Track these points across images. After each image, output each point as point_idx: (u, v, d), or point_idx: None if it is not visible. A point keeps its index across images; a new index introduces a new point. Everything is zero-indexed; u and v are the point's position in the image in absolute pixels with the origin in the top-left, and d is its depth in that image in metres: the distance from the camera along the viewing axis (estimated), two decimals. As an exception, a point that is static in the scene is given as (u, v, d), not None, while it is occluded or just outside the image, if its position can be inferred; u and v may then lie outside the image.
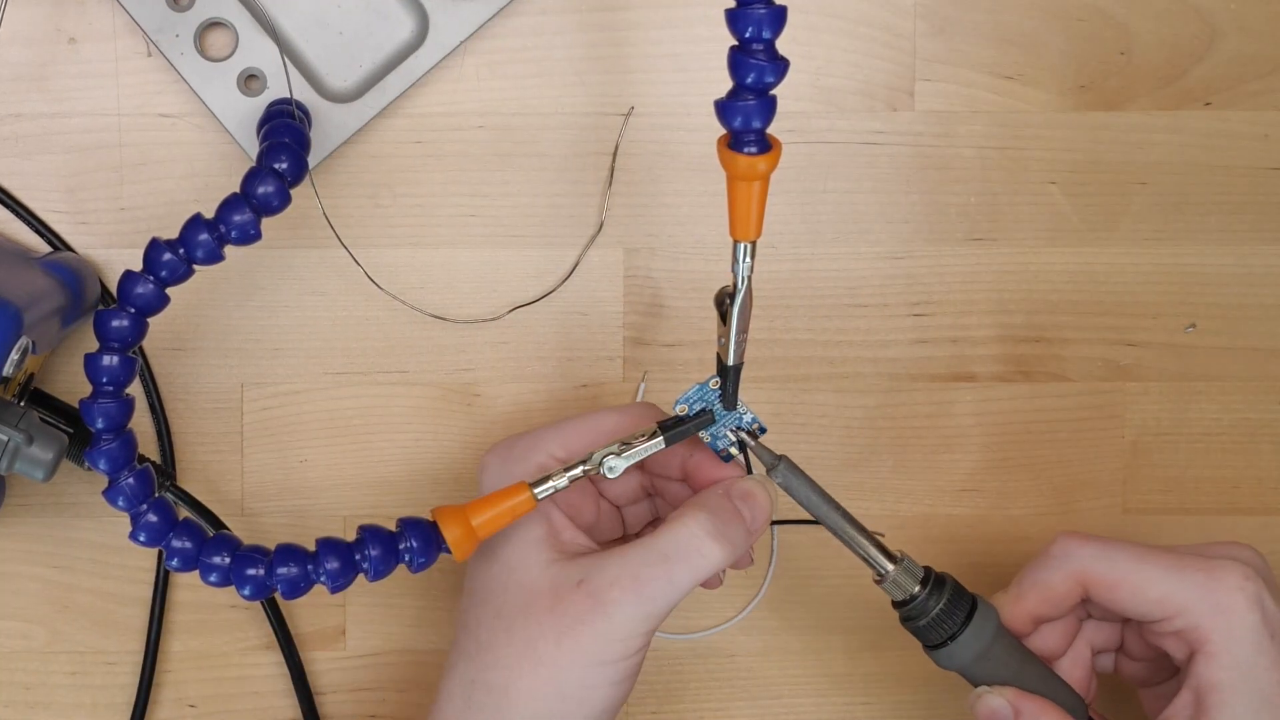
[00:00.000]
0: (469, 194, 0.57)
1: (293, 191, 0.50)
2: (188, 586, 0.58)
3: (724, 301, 0.48)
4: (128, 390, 0.49)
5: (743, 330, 0.48)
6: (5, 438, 0.48)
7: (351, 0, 0.55)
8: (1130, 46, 0.58)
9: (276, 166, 0.50)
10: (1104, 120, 0.58)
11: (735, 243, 0.46)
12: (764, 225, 0.45)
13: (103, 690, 0.58)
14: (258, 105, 0.55)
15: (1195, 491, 0.60)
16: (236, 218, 0.49)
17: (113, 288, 0.56)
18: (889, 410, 0.59)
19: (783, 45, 0.44)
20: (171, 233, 0.56)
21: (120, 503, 0.49)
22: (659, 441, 0.49)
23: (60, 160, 0.56)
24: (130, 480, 0.49)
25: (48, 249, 0.56)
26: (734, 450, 0.50)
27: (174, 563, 0.49)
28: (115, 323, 0.48)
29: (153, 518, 0.49)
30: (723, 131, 0.45)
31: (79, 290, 0.54)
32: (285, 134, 0.51)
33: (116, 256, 0.57)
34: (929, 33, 0.57)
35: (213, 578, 0.49)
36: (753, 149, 0.45)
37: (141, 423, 0.58)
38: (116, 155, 0.56)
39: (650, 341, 0.58)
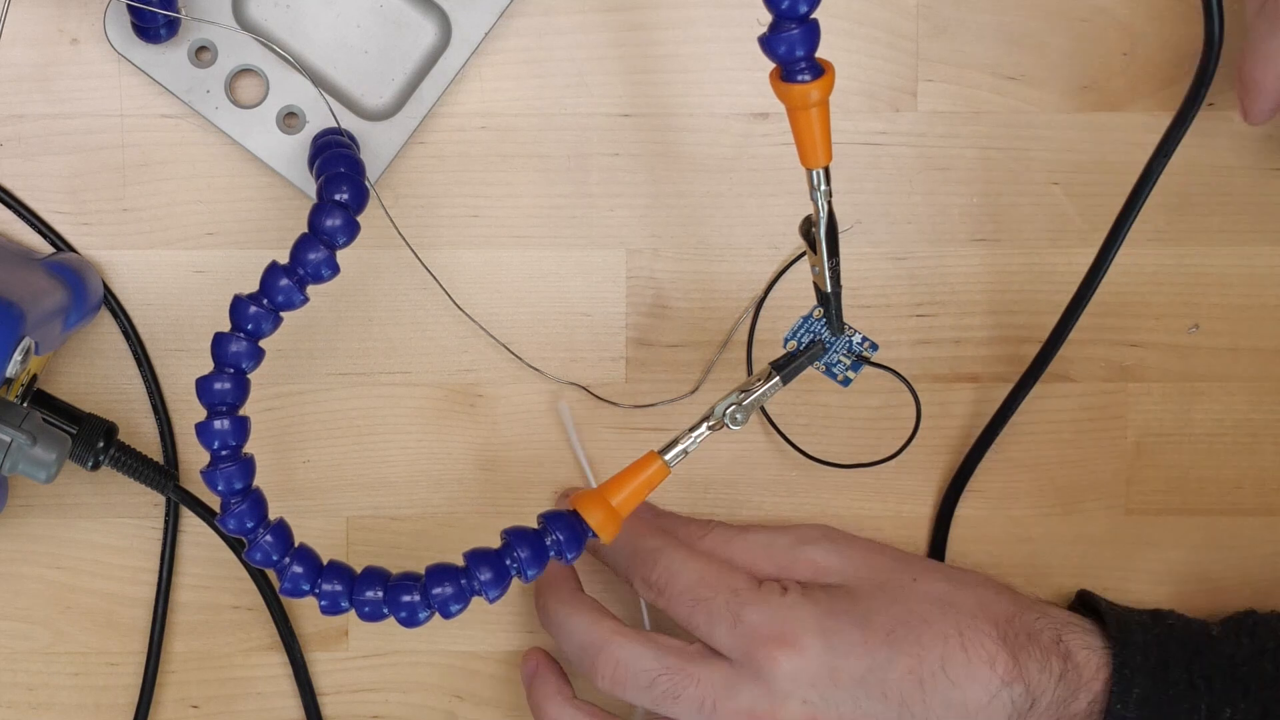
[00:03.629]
0: (471, 194, 0.57)
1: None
2: (190, 587, 0.58)
3: (810, 230, 0.48)
4: (245, 450, 0.49)
5: (833, 255, 0.48)
6: (8, 438, 0.48)
7: (369, 18, 0.55)
8: (1133, 47, 0.58)
9: (338, 198, 0.50)
10: (1107, 121, 0.58)
11: (809, 171, 0.47)
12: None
13: (105, 691, 0.58)
14: (301, 141, 0.55)
15: (1198, 492, 0.60)
16: (311, 256, 0.49)
17: (115, 289, 0.57)
18: (891, 410, 0.59)
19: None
20: (172, 234, 0.57)
21: (258, 558, 0.49)
22: (776, 381, 0.49)
23: (63, 161, 0.56)
24: (268, 538, 0.49)
25: (50, 250, 0.56)
26: (851, 374, 0.50)
27: (324, 604, 0.50)
28: (217, 385, 0.48)
29: (298, 569, 0.49)
30: (773, 67, 0.46)
31: (82, 291, 0.54)
32: (340, 164, 0.51)
33: (119, 257, 0.57)
34: (931, 33, 0.57)
35: (366, 610, 0.49)
36: (805, 76, 0.45)
37: (143, 423, 0.58)
38: (119, 156, 0.56)
39: (653, 342, 0.58)
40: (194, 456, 0.58)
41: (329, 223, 0.49)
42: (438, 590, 0.49)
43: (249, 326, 0.49)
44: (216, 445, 0.49)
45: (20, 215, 0.56)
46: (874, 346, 0.50)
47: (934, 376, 0.59)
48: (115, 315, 0.57)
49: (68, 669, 0.58)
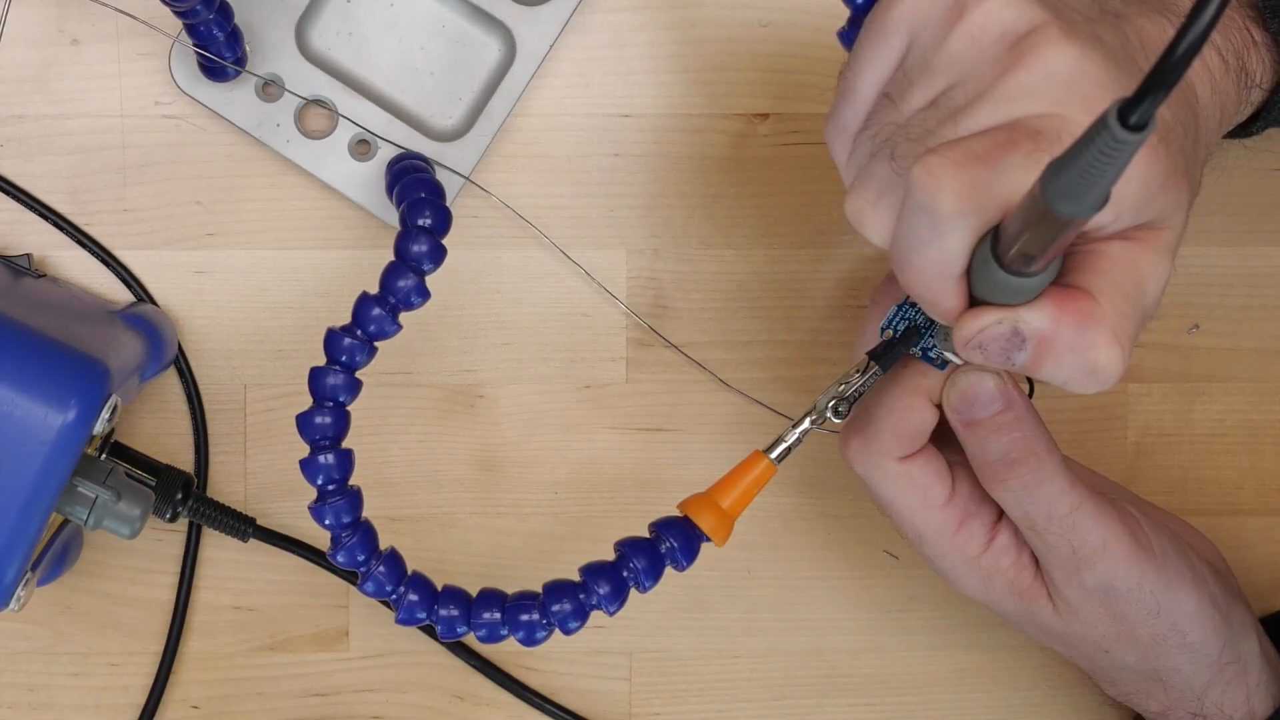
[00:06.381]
0: (471, 195, 0.57)
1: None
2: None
3: None
4: (351, 482, 0.49)
5: None
6: (94, 495, 0.47)
7: (433, 40, 0.55)
8: (1133, 47, 0.58)
9: (422, 223, 0.50)
10: (1107, 121, 0.58)
11: None
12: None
13: (105, 691, 0.58)
14: (374, 167, 0.55)
15: (1198, 493, 0.60)
16: (401, 284, 0.49)
17: (188, 344, 0.57)
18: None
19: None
20: (172, 234, 0.57)
21: (371, 590, 0.49)
22: (875, 371, 0.49)
23: (63, 161, 0.56)
24: (381, 569, 0.49)
25: (129, 299, 0.56)
26: (950, 356, 0.49)
27: (441, 629, 0.50)
28: (318, 420, 0.49)
29: (413, 596, 0.50)
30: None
31: (159, 344, 0.54)
32: (419, 189, 0.51)
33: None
34: (932, 34, 0.57)
35: (482, 633, 0.50)
36: None
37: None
38: (119, 156, 0.56)
39: (653, 343, 0.58)
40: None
41: (415, 249, 0.49)
42: (556, 607, 0.49)
43: (343, 359, 0.49)
44: (321, 480, 0.49)
45: (29, 210, 0.56)
46: None
47: (934, 377, 0.59)
48: (177, 368, 0.57)
49: (68, 669, 0.58)
